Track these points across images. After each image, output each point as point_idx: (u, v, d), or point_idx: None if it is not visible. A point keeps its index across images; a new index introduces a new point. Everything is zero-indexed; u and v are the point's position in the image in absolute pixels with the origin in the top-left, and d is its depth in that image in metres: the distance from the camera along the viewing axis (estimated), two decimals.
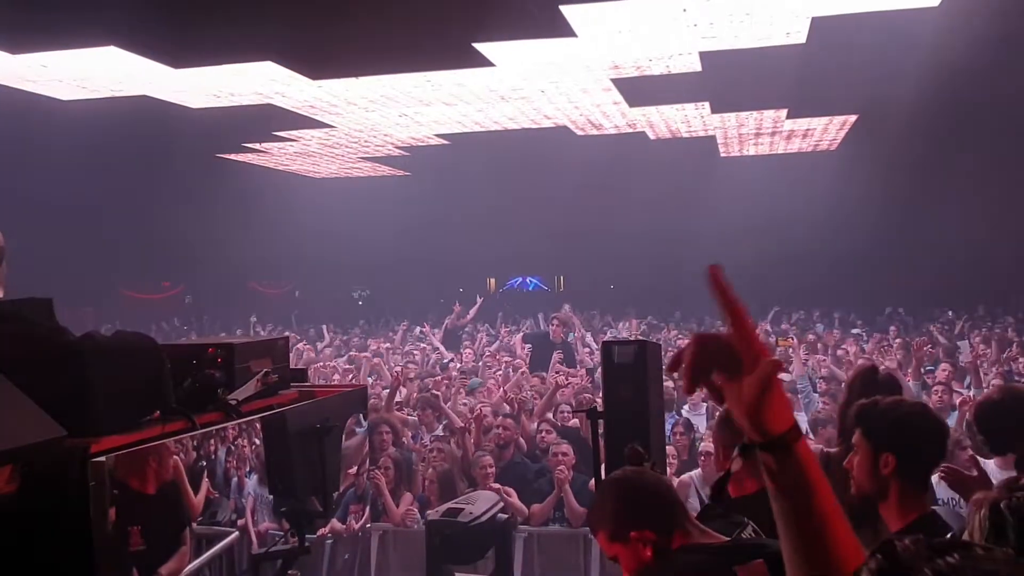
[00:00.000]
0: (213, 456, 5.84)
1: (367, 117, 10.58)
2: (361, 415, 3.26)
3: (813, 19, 7.16)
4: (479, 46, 7.62)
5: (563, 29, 7.11)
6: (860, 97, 10.42)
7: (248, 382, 2.57)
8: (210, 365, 2.51)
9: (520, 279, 23.31)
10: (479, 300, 14.32)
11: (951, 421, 6.81)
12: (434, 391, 8.03)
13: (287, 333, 14.75)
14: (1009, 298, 16.08)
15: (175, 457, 2.53)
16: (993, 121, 11.36)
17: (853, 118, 11.87)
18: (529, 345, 11.12)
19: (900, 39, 7.53)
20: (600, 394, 4.52)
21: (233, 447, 6.12)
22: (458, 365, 11.05)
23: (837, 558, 1.14)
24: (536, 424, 6.94)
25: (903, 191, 15.16)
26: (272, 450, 3.18)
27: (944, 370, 8.31)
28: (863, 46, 7.82)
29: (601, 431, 3.66)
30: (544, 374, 9.26)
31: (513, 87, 9.22)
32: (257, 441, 5.97)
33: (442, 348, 12.09)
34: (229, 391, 2.50)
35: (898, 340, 11.65)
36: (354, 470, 6.21)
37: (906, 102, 10.05)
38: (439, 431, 7.02)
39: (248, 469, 6.27)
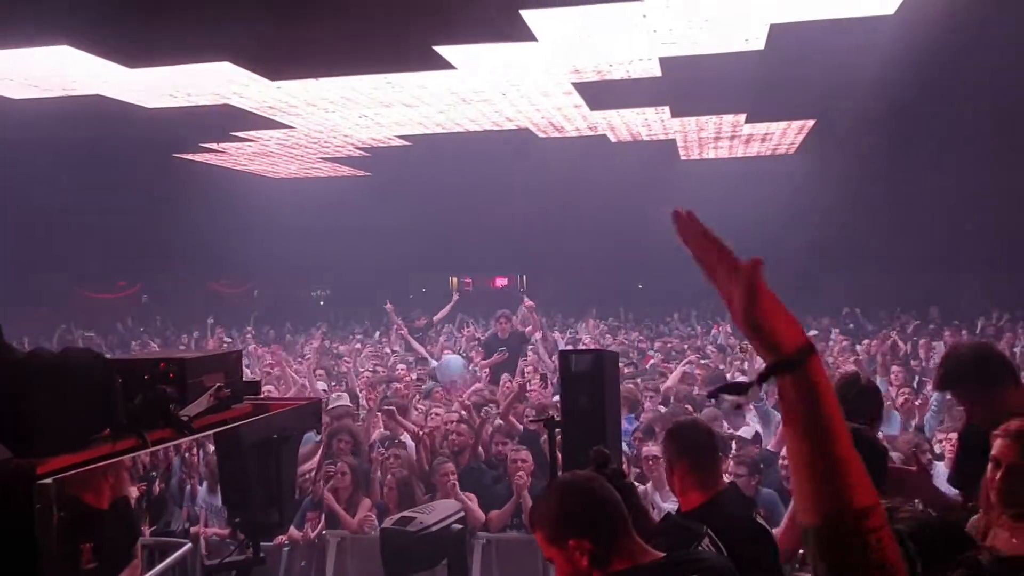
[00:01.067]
0: (164, 467, 5.75)
1: (327, 118, 10.51)
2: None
3: (771, 26, 7.24)
4: (440, 49, 7.60)
5: (524, 33, 7.11)
6: (817, 102, 10.57)
7: (201, 397, 2.54)
8: (162, 380, 2.48)
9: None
10: (454, 297, 14.20)
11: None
12: (396, 398, 7.98)
13: (248, 329, 14.72)
14: (959, 303, 16.40)
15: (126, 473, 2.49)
16: (947, 127, 11.58)
17: (811, 123, 12.04)
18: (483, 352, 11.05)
19: (856, 46, 7.65)
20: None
21: (186, 456, 6.05)
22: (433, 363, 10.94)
23: (851, 490, 1.15)
24: (491, 429, 6.92)
25: (859, 195, 15.41)
26: (226, 463, 3.15)
27: (896, 374, 8.46)
28: (820, 52, 7.91)
29: (558, 440, 3.67)
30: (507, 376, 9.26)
31: (474, 89, 9.21)
32: (210, 448, 5.90)
33: (420, 349, 11.87)
34: (181, 406, 2.47)
35: (865, 342, 11.80)
36: (310, 476, 6.19)
37: (862, 108, 10.23)
38: (403, 437, 6.97)
39: (199, 478, 6.21)
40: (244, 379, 2.85)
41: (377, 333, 14.76)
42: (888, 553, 1.14)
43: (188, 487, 6.27)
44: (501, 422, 6.98)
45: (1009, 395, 3.33)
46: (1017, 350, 11.02)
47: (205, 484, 6.14)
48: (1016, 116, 10.56)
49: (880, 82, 8.79)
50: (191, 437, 2.47)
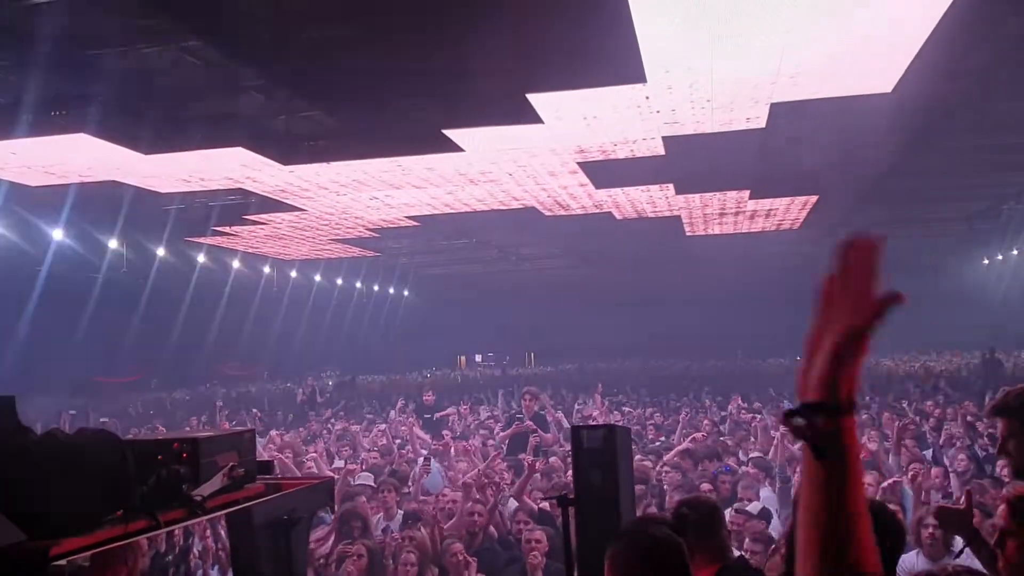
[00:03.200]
0: (178, 551, 5.65)
1: (338, 200, 10.68)
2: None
3: (772, 105, 7.39)
4: (448, 132, 7.77)
5: (529, 116, 7.28)
6: (819, 178, 10.70)
7: (214, 477, 2.54)
8: (175, 460, 2.48)
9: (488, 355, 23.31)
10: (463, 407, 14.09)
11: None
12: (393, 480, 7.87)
13: (256, 412, 14.65)
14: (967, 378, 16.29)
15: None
16: (942, 200, 11.70)
17: (814, 198, 12.16)
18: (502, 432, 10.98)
19: (856, 123, 7.79)
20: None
21: (200, 541, 5.95)
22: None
23: (858, 553, 1.11)
24: (510, 509, 6.83)
25: None
26: (238, 544, 3.12)
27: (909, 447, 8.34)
28: (821, 130, 8.06)
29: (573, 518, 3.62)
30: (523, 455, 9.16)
31: (482, 170, 9.37)
32: (223, 534, 5.82)
33: (422, 435, 11.74)
34: (194, 486, 2.46)
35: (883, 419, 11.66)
36: (323, 559, 6.09)
37: (863, 183, 10.36)
38: (398, 519, 6.87)
39: (212, 562, 6.10)
40: (257, 459, 2.85)
41: (392, 412, 14.67)
42: None
43: (200, 571, 6.16)
44: (516, 503, 6.90)
45: None
46: None
47: (217, 568, 6.05)
48: (1013, 178, 10.68)
49: (880, 158, 8.94)
50: (204, 517, 2.46)
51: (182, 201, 9.92)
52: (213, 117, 7.46)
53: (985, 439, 10.11)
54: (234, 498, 2.64)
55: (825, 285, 1.18)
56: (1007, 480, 7.64)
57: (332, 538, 6.08)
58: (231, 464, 2.59)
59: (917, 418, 11.28)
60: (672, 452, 8.76)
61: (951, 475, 8.04)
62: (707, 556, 2.98)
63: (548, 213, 11.98)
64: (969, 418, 11.40)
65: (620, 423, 10.48)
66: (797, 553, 1.16)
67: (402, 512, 6.91)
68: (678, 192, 11.28)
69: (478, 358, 23.41)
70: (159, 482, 2.38)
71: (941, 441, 9.88)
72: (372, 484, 7.77)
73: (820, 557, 1.13)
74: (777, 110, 7.49)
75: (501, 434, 10.35)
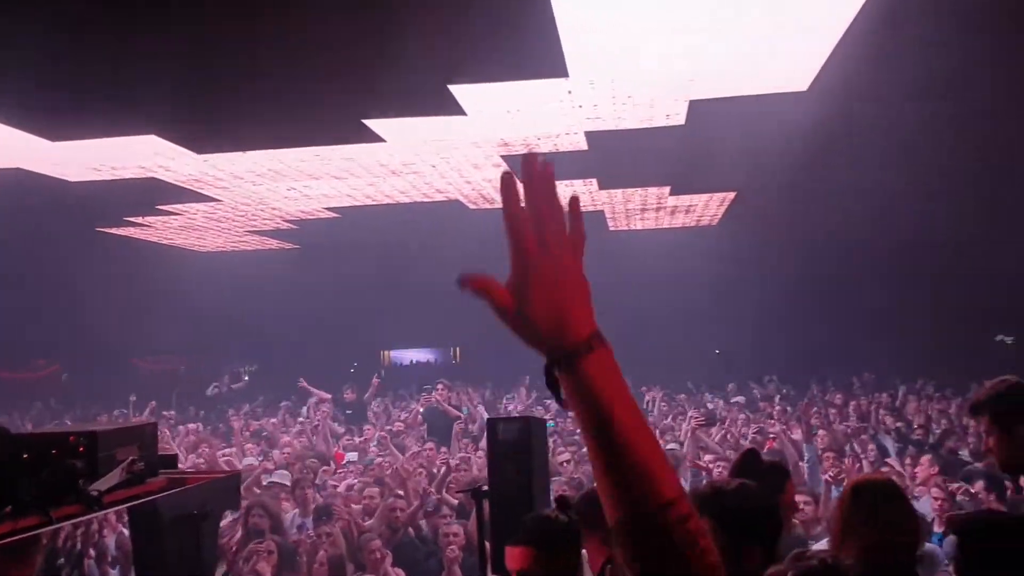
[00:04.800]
0: (75, 551, 5.48)
1: (254, 191, 10.45)
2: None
3: (691, 102, 7.51)
4: (369, 122, 7.67)
5: (452, 107, 7.24)
6: (737, 175, 10.91)
7: (113, 471, 2.45)
8: (71, 454, 2.39)
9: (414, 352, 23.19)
10: (375, 380, 14.05)
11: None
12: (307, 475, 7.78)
13: (169, 412, 14.29)
14: (881, 368, 16.89)
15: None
16: (859, 200, 12.05)
17: (732, 195, 12.40)
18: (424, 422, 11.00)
19: (773, 121, 7.95)
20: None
21: (96, 539, 5.77)
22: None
23: (649, 487, 1.09)
24: (429, 503, 6.81)
25: (779, 265, 15.88)
26: (141, 542, 3.02)
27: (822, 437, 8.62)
28: (739, 127, 8.21)
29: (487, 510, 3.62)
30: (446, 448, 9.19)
31: (404, 162, 9.28)
32: (124, 531, 5.66)
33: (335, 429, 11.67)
34: (92, 481, 2.37)
35: (779, 408, 12.01)
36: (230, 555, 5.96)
37: (780, 180, 10.60)
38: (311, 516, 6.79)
39: (111, 562, 5.92)
40: (160, 452, 2.76)
41: (305, 408, 14.47)
42: (701, 543, 1.09)
43: (98, 574, 5.96)
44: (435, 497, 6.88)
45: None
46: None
47: (118, 568, 5.86)
48: (926, 179, 11.07)
49: (796, 156, 9.15)
50: (101, 512, 2.37)
51: (94, 190, 9.55)
52: (124, 104, 7.19)
53: (892, 430, 10.51)
54: (134, 493, 2.56)
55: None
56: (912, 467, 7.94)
57: (239, 532, 5.97)
58: (131, 458, 2.50)
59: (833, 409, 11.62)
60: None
61: (863, 463, 8.33)
62: (597, 542, 3.03)
63: (472, 207, 11.95)
64: (883, 411, 11.84)
65: (549, 417, 10.55)
66: (600, 492, 1.13)
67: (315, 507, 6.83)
68: (601, 187, 11.37)
69: (405, 353, 23.25)
70: (53, 477, 2.29)
71: (850, 430, 10.22)
72: (286, 482, 7.67)
73: (614, 498, 1.11)
74: (696, 107, 7.61)
75: (414, 410, 10.36)
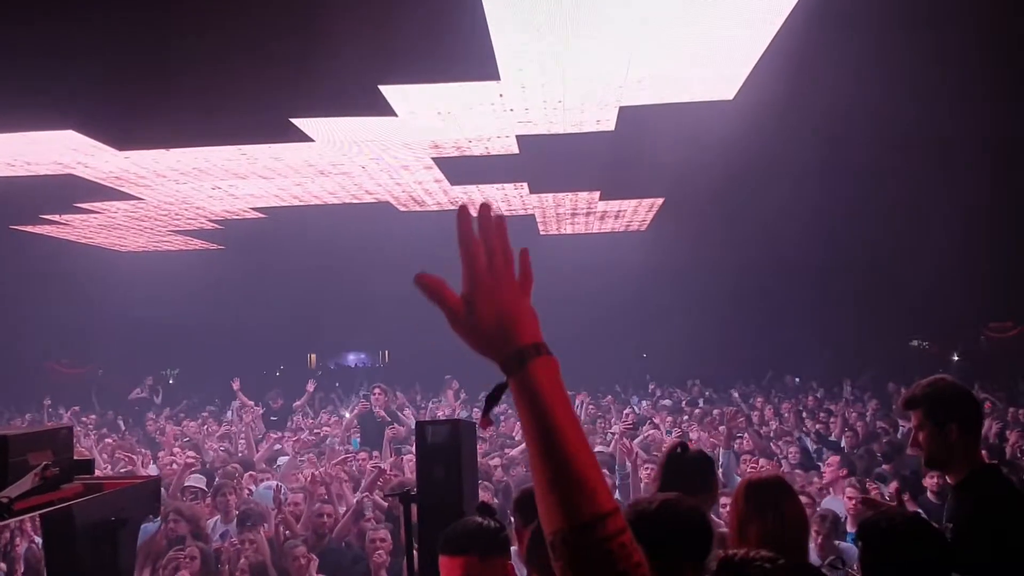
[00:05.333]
0: None
1: (178, 190, 10.19)
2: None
3: (621, 108, 7.60)
4: (297, 121, 7.56)
5: (383, 108, 7.18)
6: (665, 181, 11.08)
7: (24, 476, 2.35)
8: None
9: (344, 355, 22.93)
10: (310, 385, 13.82)
11: None
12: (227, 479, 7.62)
13: (90, 416, 13.83)
14: (803, 368, 17.34)
15: None
16: (783, 205, 12.35)
17: (660, 201, 12.58)
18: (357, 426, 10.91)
19: (699, 129, 8.09)
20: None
21: (8, 548, 5.55)
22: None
23: (581, 501, 1.12)
24: (352, 507, 6.72)
25: (706, 271, 16.18)
26: (55, 550, 2.91)
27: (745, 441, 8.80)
28: (667, 134, 8.33)
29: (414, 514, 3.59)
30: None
31: (333, 162, 9.17)
32: (36, 540, 5.45)
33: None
34: (2, 487, 2.28)
35: (713, 412, 12.21)
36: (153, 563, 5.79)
37: (705, 187, 10.80)
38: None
39: (21, 571, 5.70)
40: (76, 457, 2.66)
41: (229, 412, 14.15)
42: (635, 557, 1.13)
43: None
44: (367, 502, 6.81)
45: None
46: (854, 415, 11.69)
47: None
48: (847, 188, 11.40)
49: (721, 163, 9.34)
50: (12, 519, 2.27)
51: (7, 186, 9.19)
52: (40, 97, 6.94)
53: (812, 434, 10.79)
54: (48, 499, 2.46)
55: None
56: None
57: (162, 539, 5.81)
58: (44, 463, 2.41)
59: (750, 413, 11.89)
60: (517, 449, 8.88)
61: (784, 465, 8.52)
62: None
63: (403, 208, 11.87)
64: (804, 413, 12.14)
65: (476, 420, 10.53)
66: (539, 507, 1.17)
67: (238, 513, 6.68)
68: (532, 191, 11.42)
69: (333, 356, 22.98)
70: None
71: (772, 433, 10.45)
72: (202, 486, 7.51)
73: (550, 512, 1.14)
74: (625, 113, 7.70)
75: (348, 416, 10.27)
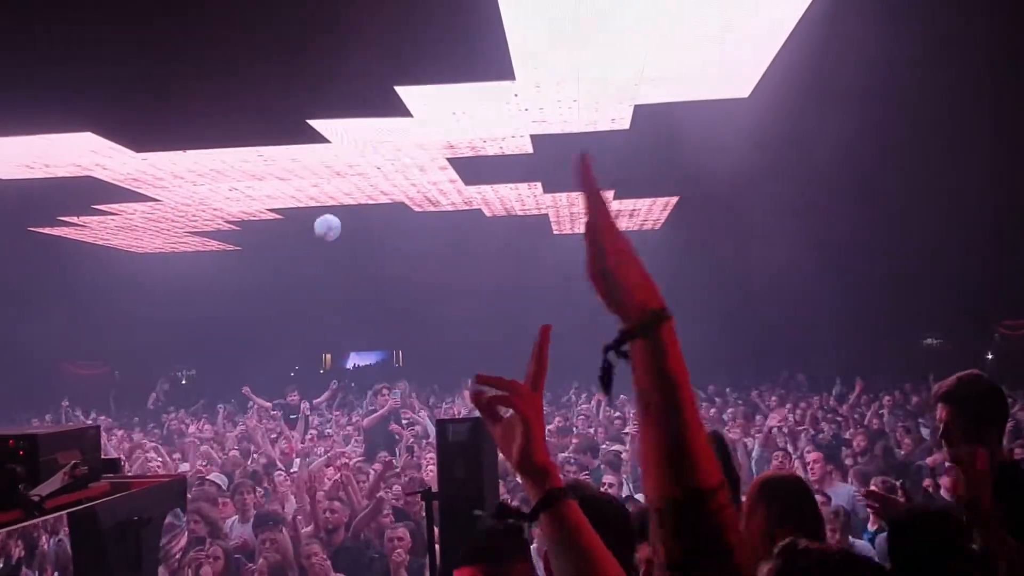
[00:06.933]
0: (12, 559, 5.32)
1: (195, 191, 10.26)
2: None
3: (636, 107, 7.60)
4: (313, 122, 7.59)
5: (398, 108, 7.20)
6: (680, 180, 11.06)
7: (54, 475, 2.38)
8: (11, 458, 2.32)
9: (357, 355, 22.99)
10: (333, 385, 13.89)
11: None
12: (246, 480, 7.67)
13: (104, 417, 13.94)
14: (821, 370, 17.26)
15: None
16: (798, 201, 12.31)
17: (675, 199, 12.56)
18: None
19: (715, 127, 8.07)
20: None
21: (36, 546, 5.62)
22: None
23: (702, 469, 1.14)
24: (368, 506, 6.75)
25: (720, 270, 16.15)
26: (81, 548, 2.95)
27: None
28: (682, 132, 8.31)
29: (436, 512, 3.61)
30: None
31: (349, 163, 9.21)
32: (64, 538, 5.51)
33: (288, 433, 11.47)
34: (32, 485, 2.31)
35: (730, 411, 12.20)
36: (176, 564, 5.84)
37: (721, 186, 10.77)
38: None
39: (52, 569, 5.77)
40: (103, 456, 2.70)
41: (248, 412, 14.21)
42: (735, 531, 1.15)
43: None
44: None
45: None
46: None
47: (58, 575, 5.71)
48: (861, 187, 11.36)
49: (737, 161, 9.31)
50: (43, 518, 2.31)
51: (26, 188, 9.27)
52: (60, 99, 7.00)
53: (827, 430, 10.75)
54: (77, 498, 2.49)
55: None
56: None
57: (184, 539, 5.85)
58: (73, 462, 2.44)
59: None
60: None
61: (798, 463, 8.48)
62: None
63: (417, 209, 11.90)
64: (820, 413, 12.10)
65: None
66: (644, 478, 1.19)
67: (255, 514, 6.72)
68: (546, 191, 11.42)
69: (348, 356, 23.04)
70: None
71: (787, 430, 10.40)
72: (222, 484, 7.56)
73: (668, 478, 1.15)
74: (640, 112, 7.70)
75: (368, 420, 10.31)
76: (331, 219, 9.16)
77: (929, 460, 7.89)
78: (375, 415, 11.14)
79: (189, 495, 6.41)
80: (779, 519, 3.01)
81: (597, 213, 1.30)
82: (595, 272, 1.24)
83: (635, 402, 1.20)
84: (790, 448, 9.52)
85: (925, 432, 9.94)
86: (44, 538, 5.77)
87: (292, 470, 9.31)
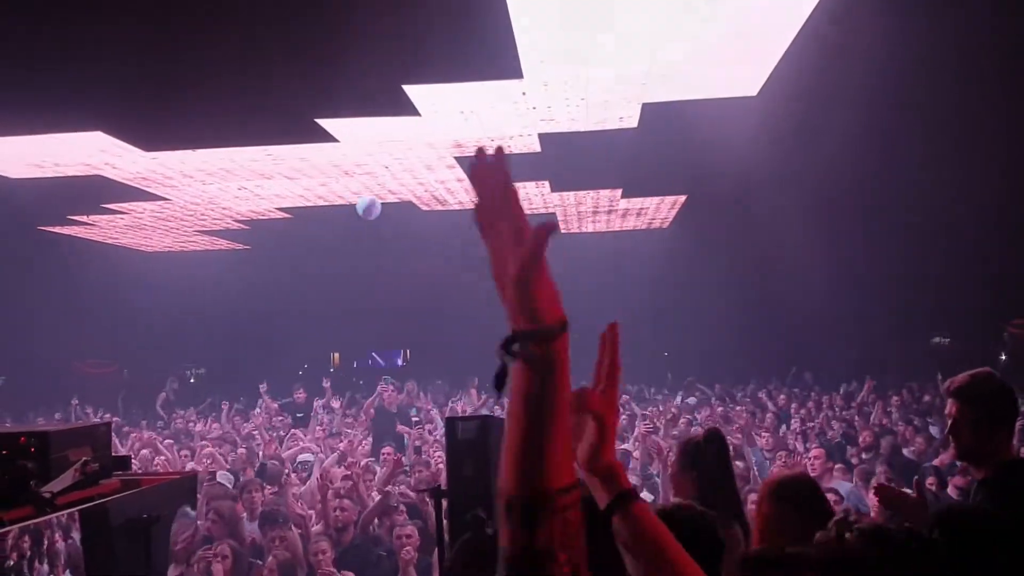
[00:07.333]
0: (27, 553, 5.35)
1: (204, 190, 10.29)
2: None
3: (644, 105, 7.59)
4: (322, 121, 7.61)
5: (406, 108, 7.22)
6: (688, 178, 11.05)
7: (65, 472, 2.40)
8: (23, 455, 2.33)
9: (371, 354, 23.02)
10: (326, 383, 13.88)
11: None
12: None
13: (112, 417, 13.98)
14: (827, 368, 17.21)
15: None
16: (807, 199, 12.29)
17: (683, 198, 12.55)
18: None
19: (723, 125, 8.06)
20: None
21: (47, 542, 5.64)
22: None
23: (555, 469, 1.16)
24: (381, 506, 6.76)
25: (729, 266, 16.11)
26: (92, 544, 2.96)
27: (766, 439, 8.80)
28: (690, 131, 8.31)
29: (445, 510, 3.61)
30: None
31: (357, 162, 9.22)
32: (74, 535, 5.54)
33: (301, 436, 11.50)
34: (44, 482, 2.32)
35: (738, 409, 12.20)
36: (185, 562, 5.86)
37: (730, 184, 10.76)
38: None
39: (63, 566, 5.80)
40: (114, 453, 2.71)
41: (256, 410, 14.25)
42: (579, 530, 1.17)
43: None
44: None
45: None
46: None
47: (69, 572, 5.73)
48: (870, 185, 11.32)
49: (745, 159, 9.30)
50: (54, 514, 2.32)
51: (36, 187, 9.31)
52: (69, 99, 7.03)
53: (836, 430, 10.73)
54: (88, 495, 2.51)
55: (477, 215, 1.27)
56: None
57: (196, 535, 5.88)
58: (84, 459, 2.45)
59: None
60: None
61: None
62: None
63: (425, 208, 11.92)
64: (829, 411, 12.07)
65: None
66: (501, 466, 1.19)
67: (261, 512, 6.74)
68: (554, 189, 11.42)
69: (356, 355, 23.04)
70: (3, 478, 2.24)
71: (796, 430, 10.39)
72: (228, 484, 7.58)
73: (524, 474, 1.17)
74: (648, 110, 7.69)
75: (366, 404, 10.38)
76: (372, 198, 9.45)
77: (937, 461, 7.88)
78: (368, 401, 11.32)
79: (200, 494, 6.45)
80: (792, 516, 3.01)
81: (521, 212, 1.25)
82: (519, 279, 1.21)
83: (511, 393, 1.20)
84: (799, 446, 9.52)
85: (934, 431, 9.92)
86: (58, 536, 5.80)
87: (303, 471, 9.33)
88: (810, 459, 7.87)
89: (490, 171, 1.29)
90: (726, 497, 3.67)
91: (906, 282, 15.73)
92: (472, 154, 1.31)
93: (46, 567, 5.57)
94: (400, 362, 22.70)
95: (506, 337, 1.21)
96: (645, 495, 7.06)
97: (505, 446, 1.19)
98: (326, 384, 13.64)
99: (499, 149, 1.31)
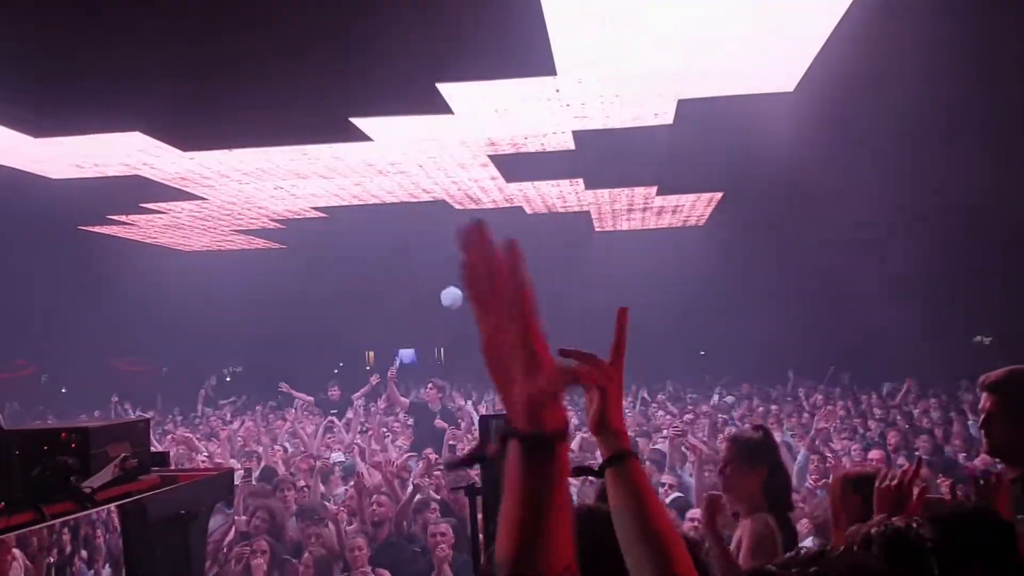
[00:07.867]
0: (67, 548, 5.43)
1: (241, 190, 10.39)
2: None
3: (679, 101, 7.52)
4: (356, 121, 7.64)
5: (440, 106, 7.22)
6: (725, 175, 10.95)
7: (105, 468, 2.42)
8: (63, 451, 2.36)
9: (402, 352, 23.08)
10: (373, 380, 13.94)
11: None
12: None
13: (150, 414, 14.16)
14: (865, 368, 16.96)
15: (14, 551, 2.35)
16: (847, 198, 12.13)
17: (719, 195, 12.44)
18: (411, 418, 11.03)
19: (760, 121, 7.98)
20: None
21: (88, 537, 5.73)
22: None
23: (552, 556, 1.14)
24: (412, 499, 6.78)
25: (765, 264, 15.94)
26: (131, 540, 2.99)
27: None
28: (726, 127, 8.23)
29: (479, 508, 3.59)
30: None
31: (391, 161, 9.26)
32: (113, 531, 5.58)
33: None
34: (84, 478, 2.35)
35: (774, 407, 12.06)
36: (223, 554, 5.92)
37: (766, 181, 10.64)
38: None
39: (103, 561, 5.88)
40: (152, 449, 2.73)
41: (293, 409, 14.35)
42: None
43: (91, 572, 5.91)
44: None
45: None
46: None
47: (109, 566, 5.82)
48: (908, 182, 11.15)
49: (783, 155, 9.19)
50: (94, 509, 2.34)
51: (77, 187, 9.46)
52: (109, 100, 7.13)
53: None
54: (127, 490, 2.53)
55: (469, 285, 1.22)
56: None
57: (232, 533, 5.94)
58: (123, 455, 2.48)
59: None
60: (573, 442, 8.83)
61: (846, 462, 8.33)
62: None
63: (458, 206, 11.93)
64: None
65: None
66: (498, 540, 1.17)
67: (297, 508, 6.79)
68: (588, 187, 11.38)
69: (398, 355, 23.15)
70: (45, 473, 2.27)
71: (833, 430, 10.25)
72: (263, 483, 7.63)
73: (520, 558, 1.14)
74: (684, 107, 7.63)
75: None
76: (455, 291, 9.88)
77: (978, 461, 7.73)
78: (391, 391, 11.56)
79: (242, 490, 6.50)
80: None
81: (535, 328, 1.20)
82: (531, 403, 1.16)
83: (509, 471, 1.17)
84: (834, 446, 9.39)
85: (973, 431, 9.73)
86: (99, 532, 5.89)
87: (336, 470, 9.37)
88: (871, 460, 7.76)
89: (493, 260, 1.24)
90: (787, 493, 3.75)
91: (947, 281, 15.47)
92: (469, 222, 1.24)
93: (85, 565, 5.66)
94: (409, 360, 22.77)
95: (505, 429, 1.19)
96: (676, 495, 7.01)
97: (502, 517, 1.17)
98: (374, 380, 13.68)
99: (512, 245, 1.24)
